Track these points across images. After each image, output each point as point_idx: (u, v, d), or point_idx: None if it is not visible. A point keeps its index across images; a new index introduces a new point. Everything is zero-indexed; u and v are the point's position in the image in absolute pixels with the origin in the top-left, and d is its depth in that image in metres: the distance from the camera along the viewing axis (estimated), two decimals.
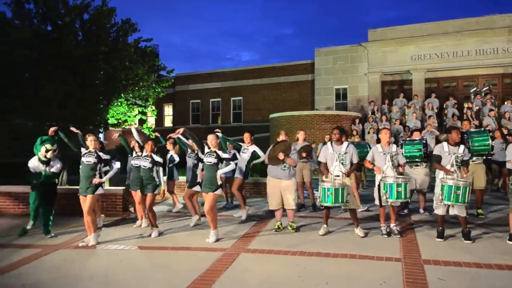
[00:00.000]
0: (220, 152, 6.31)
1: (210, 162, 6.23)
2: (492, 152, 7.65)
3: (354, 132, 8.81)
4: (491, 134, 7.56)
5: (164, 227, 7.20)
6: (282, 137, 6.89)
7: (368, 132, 14.62)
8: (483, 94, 16.18)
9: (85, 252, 5.89)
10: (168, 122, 27.12)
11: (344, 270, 4.85)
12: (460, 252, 5.37)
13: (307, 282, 4.47)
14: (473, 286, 4.26)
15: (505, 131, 10.36)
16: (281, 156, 6.52)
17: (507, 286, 4.24)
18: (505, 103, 15.12)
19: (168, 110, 27.16)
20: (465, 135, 7.50)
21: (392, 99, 18.10)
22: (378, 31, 20.24)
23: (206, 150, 6.43)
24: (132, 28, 14.15)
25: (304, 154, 8.02)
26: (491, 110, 14.47)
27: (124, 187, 8.57)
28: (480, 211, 7.62)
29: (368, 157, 6.54)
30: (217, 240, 6.15)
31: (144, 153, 7.00)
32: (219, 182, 6.23)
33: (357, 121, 16.44)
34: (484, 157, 7.66)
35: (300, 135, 8.59)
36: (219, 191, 6.28)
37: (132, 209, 8.63)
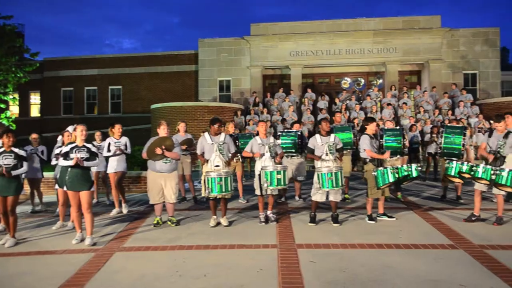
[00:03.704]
0: (90, 146, 5.77)
1: (82, 158, 5.59)
2: (354, 147, 8.36)
3: (230, 125, 9.04)
4: (354, 130, 8.28)
5: (26, 230, 6.43)
6: (163, 127, 6.64)
7: (248, 124, 15.02)
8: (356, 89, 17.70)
9: None
10: (35, 111, 24.29)
11: (222, 260, 4.86)
12: (329, 235, 5.81)
13: (186, 276, 4.37)
14: (339, 264, 4.62)
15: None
16: (158, 151, 6.32)
17: (368, 261, 4.69)
18: (367, 98, 16.88)
19: (35, 99, 24.32)
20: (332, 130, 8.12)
21: (273, 92, 18.88)
22: (260, 25, 20.86)
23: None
24: None
25: (184, 147, 7.97)
26: (356, 104, 16.06)
27: None
28: (346, 195, 8.37)
29: (247, 148, 6.80)
30: (94, 244, 5.56)
31: (1, 149, 5.88)
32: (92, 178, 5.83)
33: (239, 113, 16.79)
34: (349, 149, 8.34)
35: (181, 126, 8.43)
36: (93, 188, 5.84)
37: None
